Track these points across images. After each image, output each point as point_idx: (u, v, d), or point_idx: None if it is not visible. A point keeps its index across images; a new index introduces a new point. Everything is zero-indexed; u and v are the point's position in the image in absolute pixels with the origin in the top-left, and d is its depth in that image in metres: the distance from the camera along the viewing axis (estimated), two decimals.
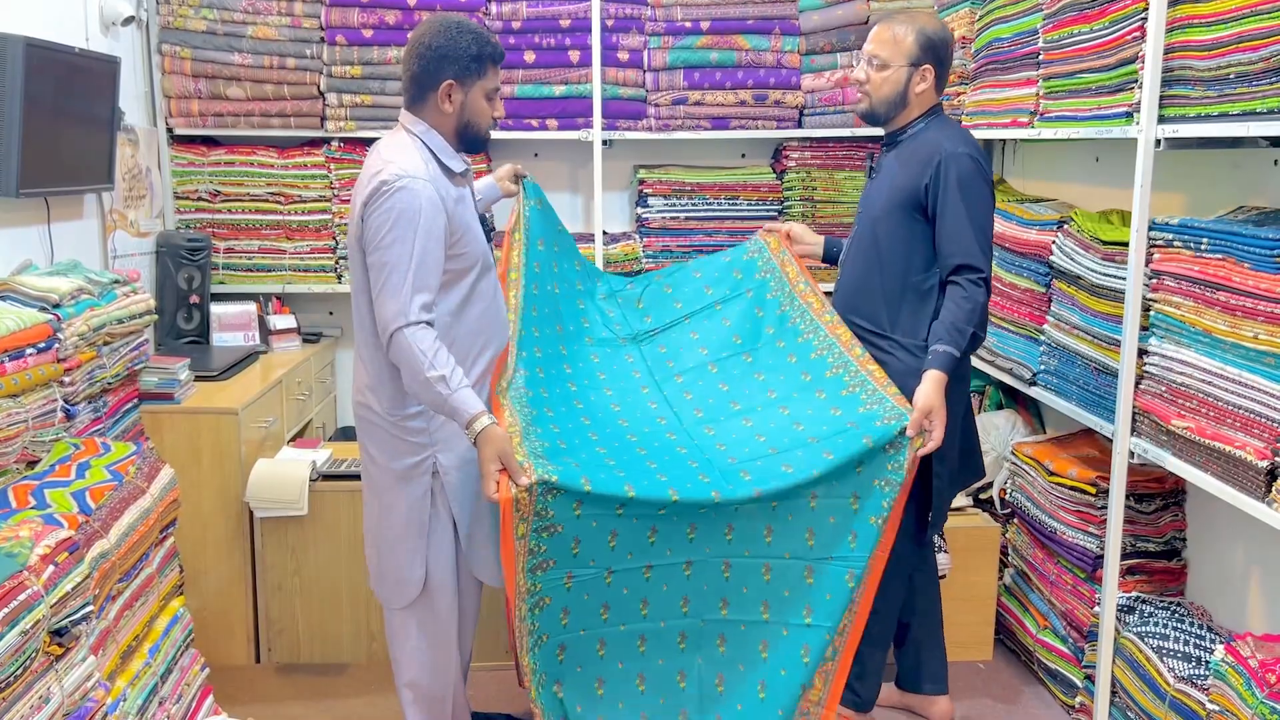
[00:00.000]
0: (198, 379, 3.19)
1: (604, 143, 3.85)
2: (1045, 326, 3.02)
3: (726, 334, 2.72)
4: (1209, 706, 2.19)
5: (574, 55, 3.79)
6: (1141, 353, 2.50)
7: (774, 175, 3.97)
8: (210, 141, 3.86)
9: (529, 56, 3.78)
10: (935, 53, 2.52)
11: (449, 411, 2.11)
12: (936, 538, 2.92)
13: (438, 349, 2.09)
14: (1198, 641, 2.50)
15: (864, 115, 2.65)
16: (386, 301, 2.10)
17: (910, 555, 2.63)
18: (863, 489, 2.33)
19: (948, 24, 2.62)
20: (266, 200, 3.83)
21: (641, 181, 3.95)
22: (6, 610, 1.72)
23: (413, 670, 2.42)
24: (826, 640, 2.36)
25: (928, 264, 2.52)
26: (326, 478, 3.13)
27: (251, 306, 3.78)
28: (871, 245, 2.59)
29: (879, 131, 3.81)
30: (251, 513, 3.07)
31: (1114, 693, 2.67)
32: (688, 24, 3.80)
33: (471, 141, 2.30)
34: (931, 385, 2.39)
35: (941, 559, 2.99)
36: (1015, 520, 3.23)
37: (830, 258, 2.85)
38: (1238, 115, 2.15)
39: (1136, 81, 2.45)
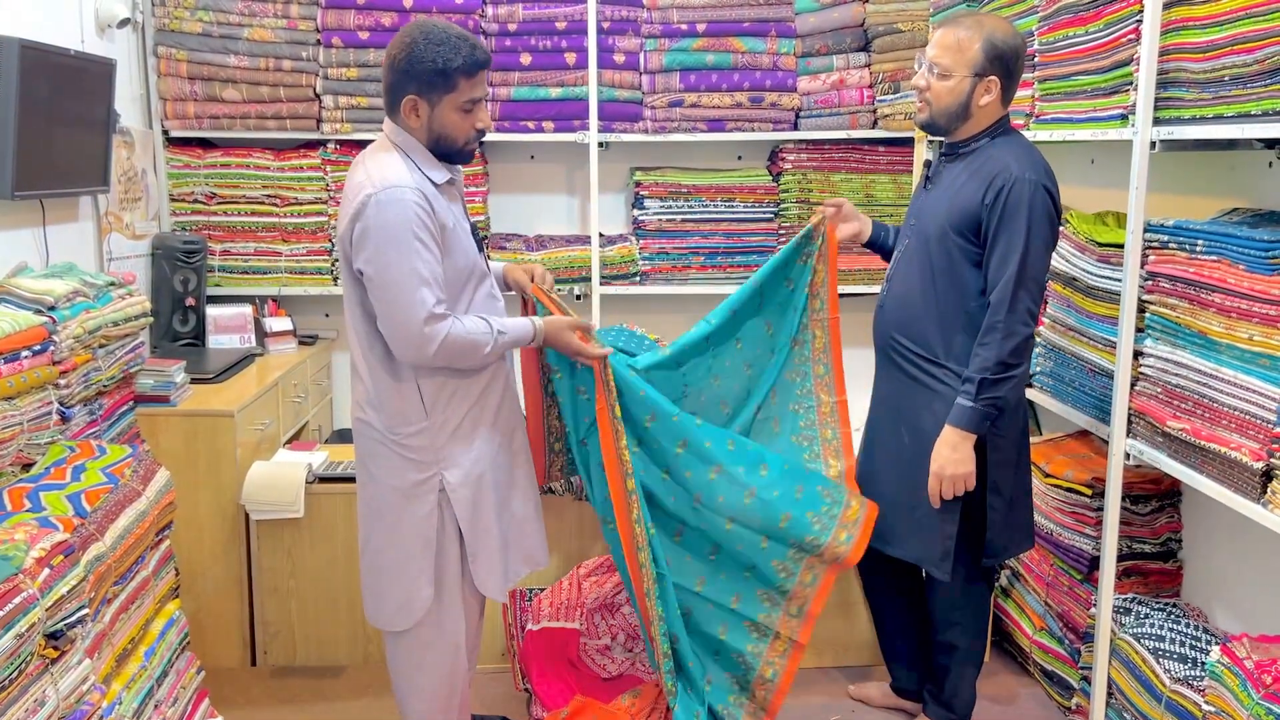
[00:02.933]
0: (193, 381, 3.19)
1: (600, 145, 3.85)
2: (1041, 328, 3.02)
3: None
4: (1205, 707, 2.19)
5: (570, 57, 3.80)
6: (1137, 354, 2.51)
7: (770, 177, 3.98)
8: (206, 144, 3.86)
9: (525, 59, 3.78)
10: (1003, 63, 2.37)
11: (513, 345, 2.26)
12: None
13: (468, 324, 2.16)
14: (1193, 642, 2.50)
15: (923, 125, 2.52)
16: (407, 316, 2.08)
17: (977, 584, 2.63)
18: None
19: (1016, 30, 2.45)
20: (262, 202, 3.83)
21: (638, 183, 3.95)
22: (2, 613, 1.72)
23: (420, 700, 2.37)
24: (746, 630, 2.57)
25: (983, 290, 2.40)
26: (323, 480, 3.12)
27: (247, 309, 3.77)
28: (924, 264, 2.47)
29: (875, 134, 3.87)
30: (247, 515, 3.07)
31: (1110, 694, 2.67)
32: (684, 26, 3.80)
33: (448, 155, 2.22)
34: (943, 445, 2.39)
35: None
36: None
37: (874, 243, 2.76)
38: (1232, 117, 2.15)
39: (1132, 84, 2.45)
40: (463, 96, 2.14)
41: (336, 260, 3.86)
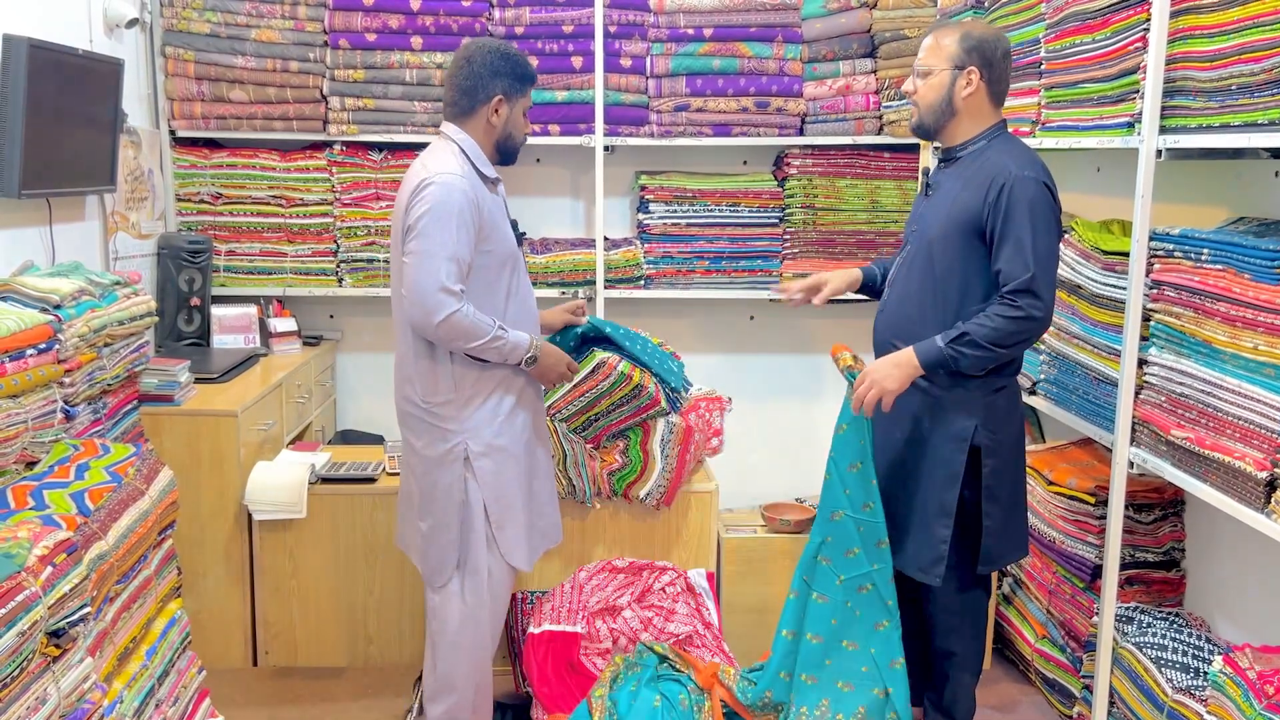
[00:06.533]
0: (197, 381, 3.19)
1: (605, 148, 3.86)
2: (1045, 336, 3.01)
3: None
4: (1207, 718, 2.18)
5: (576, 61, 3.80)
6: (1141, 362, 2.50)
7: (775, 182, 3.98)
8: (212, 144, 3.86)
9: (532, 62, 3.78)
10: (980, 54, 2.41)
11: (509, 353, 2.39)
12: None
13: (478, 319, 2.33)
14: (1196, 652, 2.50)
15: (915, 129, 2.57)
16: (425, 280, 2.27)
17: (974, 590, 2.60)
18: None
19: (997, 30, 2.49)
20: (268, 203, 3.83)
21: (643, 187, 3.95)
22: (4, 611, 1.72)
23: (453, 653, 2.52)
24: None
25: (986, 294, 2.39)
26: (325, 481, 3.12)
27: (252, 309, 3.78)
28: (927, 268, 2.48)
29: (881, 140, 3.87)
30: (250, 515, 3.07)
31: (1112, 703, 2.66)
32: (690, 31, 3.80)
33: (508, 153, 2.50)
34: (889, 360, 2.37)
35: None
36: None
37: (868, 286, 2.75)
38: (1239, 126, 2.15)
39: (1138, 92, 2.45)
40: (528, 102, 2.51)
41: (343, 261, 3.86)
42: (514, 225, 2.56)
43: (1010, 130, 2.54)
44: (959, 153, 2.50)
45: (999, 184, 2.34)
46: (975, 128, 2.47)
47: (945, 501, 2.46)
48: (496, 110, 2.43)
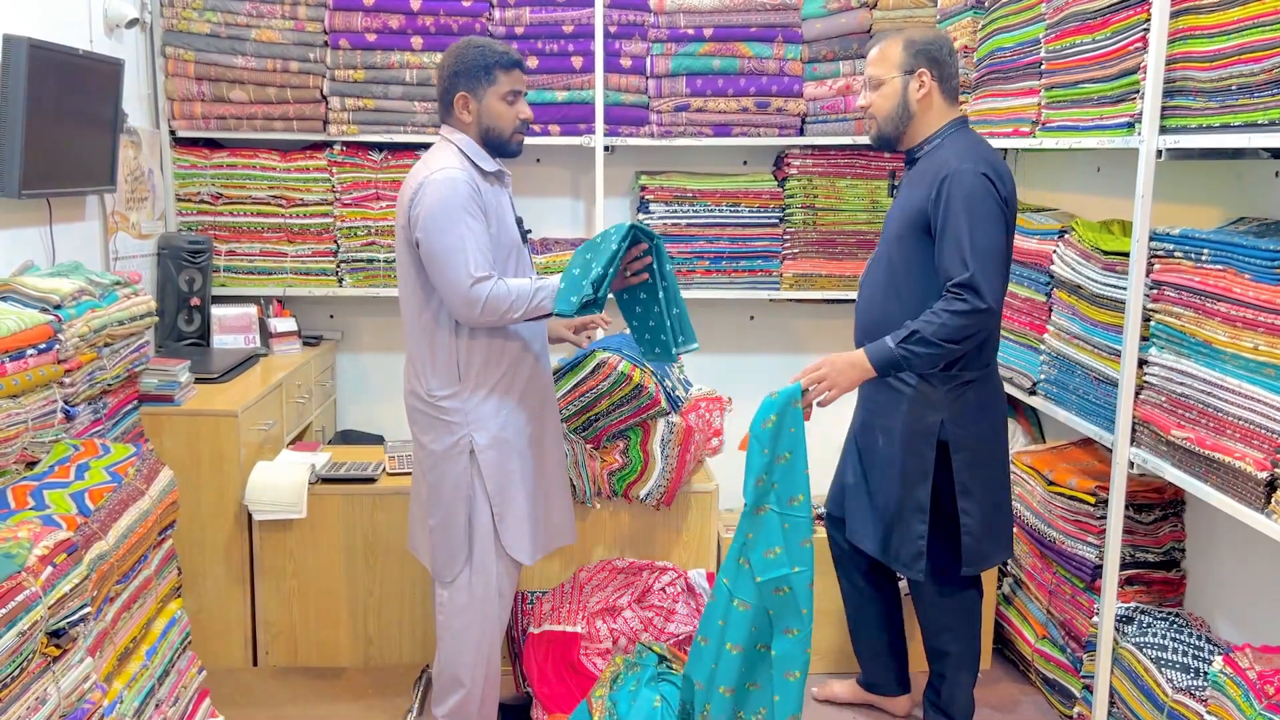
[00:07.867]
0: (197, 381, 3.19)
1: (606, 148, 3.86)
2: (1045, 336, 3.02)
3: None
4: (1207, 718, 2.18)
5: (576, 61, 3.80)
6: (1141, 363, 2.50)
7: (776, 183, 3.98)
8: (212, 144, 3.86)
9: (531, 62, 3.79)
10: (927, 55, 2.47)
11: (548, 308, 2.42)
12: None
13: (510, 285, 2.37)
14: (1196, 652, 2.50)
15: (875, 141, 2.60)
16: (456, 278, 2.32)
17: (964, 589, 2.62)
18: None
19: (947, 32, 2.59)
20: (268, 203, 3.83)
21: (643, 188, 3.95)
22: (4, 611, 1.72)
23: (461, 646, 2.54)
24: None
25: (942, 291, 2.40)
26: (325, 481, 3.12)
27: (252, 309, 3.78)
28: (887, 268, 2.54)
29: None
30: (250, 515, 3.07)
31: (1112, 703, 2.66)
32: (690, 31, 3.80)
33: (497, 146, 2.50)
34: (844, 359, 2.37)
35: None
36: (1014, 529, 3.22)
37: None
38: (1239, 126, 2.15)
39: (1138, 92, 2.45)
40: (503, 88, 2.46)
41: (343, 261, 3.86)
42: (519, 222, 2.59)
43: (970, 126, 2.57)
44: (918, 153, 2.54)
45: (939, 178, 2.37)
46: (931, 127, 2.51)
47: (918, 497, 2.50)
48: (466, 108, 2.46)
